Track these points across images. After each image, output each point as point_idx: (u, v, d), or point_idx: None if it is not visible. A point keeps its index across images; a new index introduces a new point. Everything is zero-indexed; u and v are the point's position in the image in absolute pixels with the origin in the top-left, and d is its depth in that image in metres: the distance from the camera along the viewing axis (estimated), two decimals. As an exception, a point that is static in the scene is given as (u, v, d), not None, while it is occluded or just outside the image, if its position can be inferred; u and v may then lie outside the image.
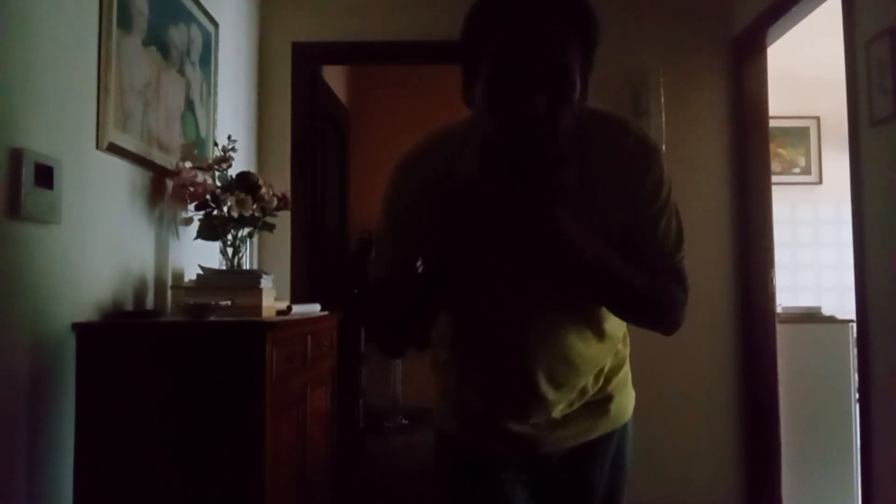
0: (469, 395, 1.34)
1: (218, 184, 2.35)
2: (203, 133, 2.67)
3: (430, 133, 1.23)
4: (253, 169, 3.17)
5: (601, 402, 1.34)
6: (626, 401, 1.39)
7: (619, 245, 1.16)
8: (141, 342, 1.84)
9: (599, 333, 1.27)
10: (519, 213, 1.02)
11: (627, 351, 1.40)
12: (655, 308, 1.21)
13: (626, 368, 1.40)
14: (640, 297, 1.18)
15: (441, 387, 1.41)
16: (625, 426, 1.39)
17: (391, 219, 1.23)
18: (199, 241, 2.37)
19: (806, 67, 4.16)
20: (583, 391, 1.30)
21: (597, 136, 1.14)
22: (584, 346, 1.25)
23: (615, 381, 1.35)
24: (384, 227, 1.25)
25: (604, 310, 1.26)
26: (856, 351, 2.69)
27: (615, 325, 1.30)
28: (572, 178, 1.12)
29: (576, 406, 1.30)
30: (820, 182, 4.51)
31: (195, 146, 2.53)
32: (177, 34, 2.43)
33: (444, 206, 1.08)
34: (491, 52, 1.03)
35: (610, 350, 1.32)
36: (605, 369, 1.33)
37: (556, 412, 1.28)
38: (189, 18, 2.54)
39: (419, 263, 1.09)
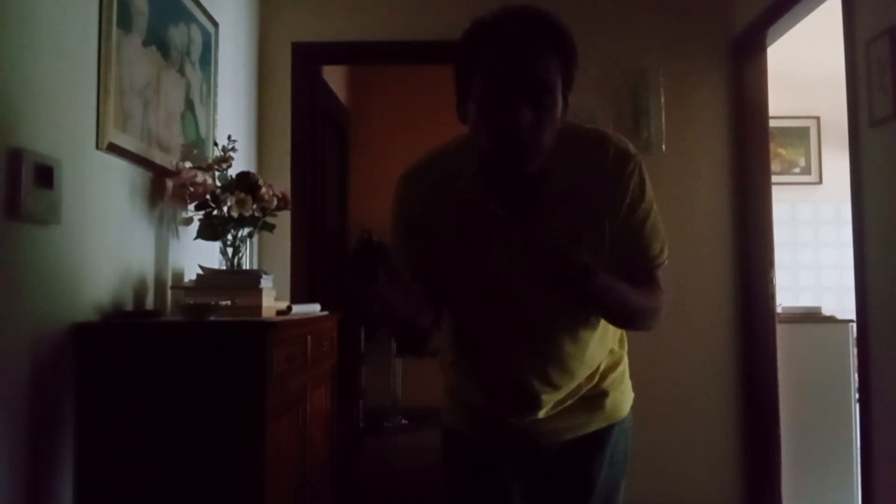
0: (471, 392, 1.42)
1: (218, 184, 2.35)
2: (203, 133, 2.67)
3: (427, 152, 1.35)
4: (253, 169, 3.17)
5: (596, 397, 1.40)
6: (622, 398, 1.45)
7: (608, 252, 1.24)
8: (141, 342, 1.83)
9: (594, 339, 1.34)
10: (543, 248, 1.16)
11: (624, 351, 1.47)
12: (644, 316, 1.31)
13: (623, 367, 1.47)
14: (634, 311, 1.28)
15: (447, 384, 1.49)
16: (622, 423, 1.45)
17: (399, 232, 1.33)
18: (199, 241, 2.37)
19: (806, 67, 4.16)
20: (576, 388, 1.36)
21: (579, 149, 1.24)
22: (578, 351, 1.32)
23: (610, 378, 1.42)
24: (394, 241, 1.34)
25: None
26: (856, 351, 2.69)
27: (610, 329, 1.39)
28: (561, 188, 1.21)
29: (570, 401, 1.37)
30: (820, 182, 4.52)
31: (195, 146, 2.52)
32: (177, 34, 2.43)
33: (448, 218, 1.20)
34: (481, 73, 1.15)
35: (604, 353, 1.39)
36: (601, 368, 1.39)
37: (551, 409, 1.35)
38: (189, 18, 2.54)
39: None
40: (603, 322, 1.35)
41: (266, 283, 2.25)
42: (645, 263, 1.29)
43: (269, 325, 1.87)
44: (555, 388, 1.32)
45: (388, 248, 1.41)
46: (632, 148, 1.27)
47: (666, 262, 1.32)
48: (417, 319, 1.14)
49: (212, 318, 1.96)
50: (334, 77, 4.69)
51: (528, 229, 1.20)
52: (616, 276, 1.24)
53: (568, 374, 1.32)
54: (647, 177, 1.26)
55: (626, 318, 1.31)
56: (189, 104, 2.54)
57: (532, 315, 1.28)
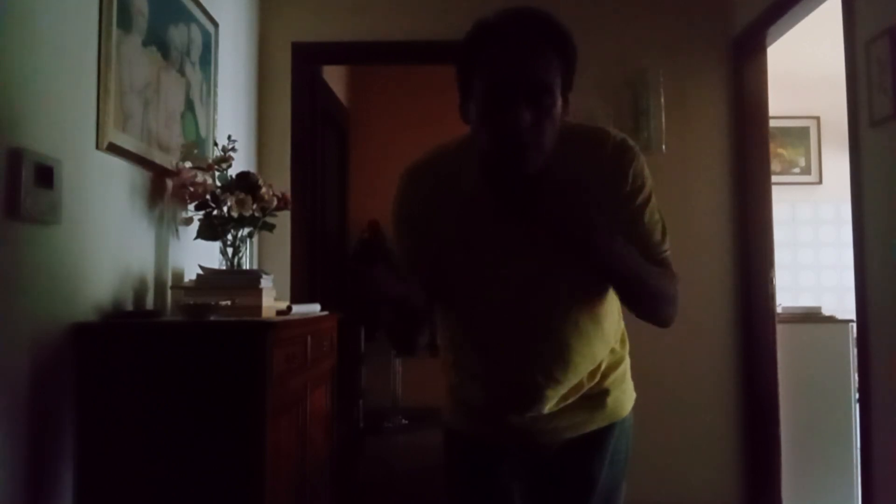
0: (472, 392, 1.42)
1: (218, 184, 2.35)
2: (203, 133, 2.67)
3: (427, 151, 1.36)
4: (253, 169, 3.17)
5: (597, 396, 1.40)
6: (623, 397, 1.45)
7: None
8: (141, 342, 1.83)
9: (597, 333, 1.34)
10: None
11: (625, 351, 1.47)
12: (659, 296, 1.29)
13: (624, 367, 1.46)
14: (651, 285, 1.27)
15: (448, 384, 1.49)
16: (623, 422, 1.45)
17: (400, 228, 1.35)
18: (199, 241, 2.37)
19: (806, 67, 4.17)
20: (578, 386, 1.36)
21: (579, 148, 1.25)
22: (581, 345, 1.32)
23: (612, 377, 1.42)
24: (395, 236, 1.36)
25: (601, 311, 1.34)
26: (856, 351, 2.69)
27: (612, 326, 1.39)
28: (561, 186, 1.20)
29: (571, 399, 1.37)
30: (820, 182, 4.52)
31: (195, 146, 2.53)
32: (177, 34, 2.43)
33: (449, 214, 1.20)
34: (482, 73, 1.16)
35: (606, 349, 1.39)
36: (602, 366, 1.39)
37: (552, 406, 1.35)
38: (189, 18, 2.54)
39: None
40: (605, 316, 1.35)
41: (266, 283, 2.25)
42: (650, 251, 1.28)
43: (269, 325, 1.87)
44: (558, 383, 1.32)
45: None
46: (630, 140, 1.28)
47: (669, 251, 1.32)
48: (411, 302, 1.16)
49: (212, 318, 1.96)
50: (334, 77, 4.69)
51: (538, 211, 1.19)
52: None
53: (571, 369, 1.32)
54: (645, 166, 1.27)
55: (644, 295, 1.28)
56: (189, 104, 2.54)
57: (534, 312, 1.28)
